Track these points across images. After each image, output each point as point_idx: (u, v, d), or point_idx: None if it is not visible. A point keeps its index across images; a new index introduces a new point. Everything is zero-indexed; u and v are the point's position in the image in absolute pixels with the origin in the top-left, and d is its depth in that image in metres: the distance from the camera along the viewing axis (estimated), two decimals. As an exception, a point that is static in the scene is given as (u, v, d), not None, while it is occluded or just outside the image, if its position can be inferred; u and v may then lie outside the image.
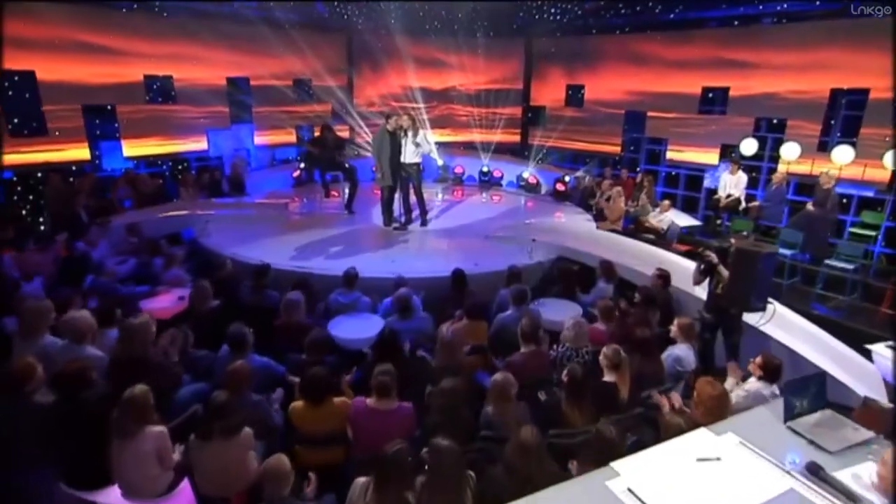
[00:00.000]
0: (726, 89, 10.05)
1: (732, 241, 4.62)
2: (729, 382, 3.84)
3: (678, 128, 10.86)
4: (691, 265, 6.17)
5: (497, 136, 13.30)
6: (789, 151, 8.45)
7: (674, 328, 4.35)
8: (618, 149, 12.19)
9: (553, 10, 12.12)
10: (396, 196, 8.05)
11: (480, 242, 7.42)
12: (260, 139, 11.91)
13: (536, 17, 12.41)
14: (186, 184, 9.14)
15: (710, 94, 10.42)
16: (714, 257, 4.64)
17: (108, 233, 6.59)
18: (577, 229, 7.96)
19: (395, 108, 11.60)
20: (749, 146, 9.06)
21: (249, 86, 11.45)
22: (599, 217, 8.93)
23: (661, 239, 8.27)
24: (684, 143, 10.89)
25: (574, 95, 12.96)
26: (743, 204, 8.68)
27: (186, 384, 3.82)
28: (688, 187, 11.07)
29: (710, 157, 10.48)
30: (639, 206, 9.07)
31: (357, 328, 4.71)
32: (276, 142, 12.13)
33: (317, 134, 8.83)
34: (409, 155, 7.76)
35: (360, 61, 13.04)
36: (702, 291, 5.07)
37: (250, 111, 11.59)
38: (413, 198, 8.11)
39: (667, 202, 8.91)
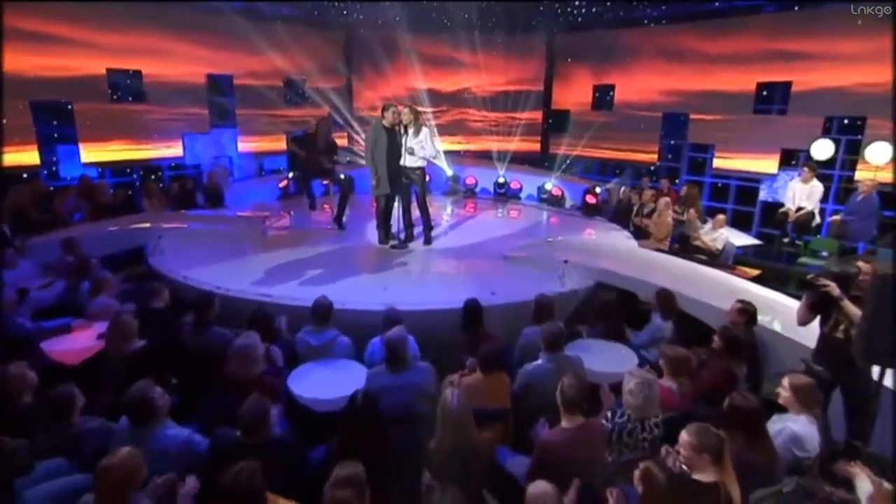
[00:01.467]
0: (787, 85, 8.87)
1: (860, 265, 3.37)
2: (863, 488, 2.51)
3: (727, 131, 9.70)
4: (770, 295, 4.98)
5: (514, 144, 12.29)
6: (877, 154, 7.20)
7: (785, 391, 3.10)
8: (654, 157, 11.08)
9: (577, 2, 11.21)
10: (395, 208, 6.92)
11: (497, 265, 6.24)
12: (244, 146, 10.98)
13: (559, 10, 11.51)
14: (150, 194, 8.10)
15: (765, 92, 9.25)
16: (834, 287, 3.40)
17: (27, 252, 5.52)
18: (616, 249, 6.76)
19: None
20: (823, 149, 7.84)
21: (233, 85, 10.58)
22: (641, 234, 7.77)
23: (715, 260, 7.04)
24: (735, 149, 9.71)
25: (602, 97, 11.91)
26: (817, 219, 7.42)
27: (56, 472, 2.63)
28: (739, 200, 9.88)
29: (767, 164, 9.28)
30: (686, 222, 7.85)
31: (327, 382, 3.54)
32: (264, 149, 11.24)
33: (310, 131, 7.70)
34: (410, 157, 6.64)
35: (359, 61, 12.20)
36: (806, 334, 3.82)
37: (233, 114, 10.71)
38: (415, 210, 6.97)
39: (721, 216, 7.70)
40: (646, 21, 10.88)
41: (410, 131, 6.63)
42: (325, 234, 7.53)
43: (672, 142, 10.80)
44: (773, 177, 9.20)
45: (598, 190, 9.33)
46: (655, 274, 5.44)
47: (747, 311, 4.23)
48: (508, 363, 4.03)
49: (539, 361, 3.73)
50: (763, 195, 9.39)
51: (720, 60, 9.68)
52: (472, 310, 4.40)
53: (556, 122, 12.69)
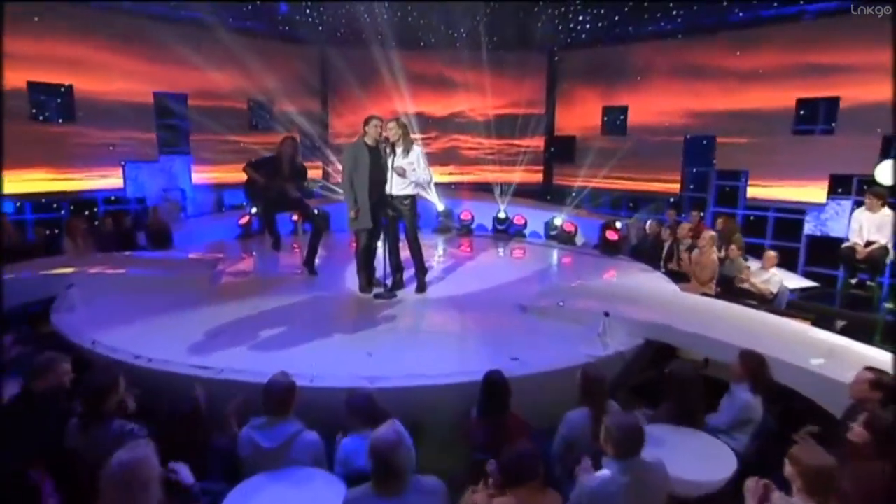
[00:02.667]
0: (833, 101, 8.21)
1: None
2: None
3: (762, 156, 9.00)
4: (872, 354, 3.98)
5: (514, 175, 11.42)
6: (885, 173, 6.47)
7: None
8: (676, 187, 10.31)
9: (581, 17, 10.67)
10: (379, 247, 5.89)
11: (514, 319, 5.19)
12: (200, 177, 10.01)
13: (559, 24, 10.94)
14: (74, 233, 6.95)
15: (804, 110, 8.58)
16: None
17: None
18: (658, 296, 5.76)
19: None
20: (888, 172, 7.04)
21: (187, 105, 9.65)
22: (678, 276, 6.79)
23: (768, 306, 6.09)
24: (772, 176, 9.00)
25: (613, 120, 11.26)
26: (892, 254, 6.54)
27: None
28: (779, 235, 9.07)
29: (812, 192, 8.56)
30: (728, 261, 6.94)
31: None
32: (224, 181, 10.29)
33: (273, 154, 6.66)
34: (398, 183, 5.66)
35: (336, 81, 11.46)
36: None
37: (187, 139, 9.80)
38: (405, 250, 5.94)
39: (772, 254, 6.80)
40: (659, 35, 10.34)
41: (399, 150, 5.66)
42: (292, 280, 6.44)
43: (696, 169, 10.08)
44: (820, 206, 8.43)
45: (618, 224, 8.41)
46: (721, 327, 4.44)
47: (883, 384, 3.20)
48: (547, 467, 2.95)
49: (606, 473, 2.63)
50: (809, 228, 8.58)
51: (749, 76, 9.09)
52: (496, 386, 3.34)
53: (559, 150, 11.95)
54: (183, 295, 5.57)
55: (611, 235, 8.16)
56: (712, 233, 6.64)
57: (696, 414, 3.57)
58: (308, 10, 9.95)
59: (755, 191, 9.25)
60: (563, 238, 9.01)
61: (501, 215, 9.86)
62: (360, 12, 10.07)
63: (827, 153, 8.25)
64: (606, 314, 4.51)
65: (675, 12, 9.78)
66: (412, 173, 5.65)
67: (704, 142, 10.10)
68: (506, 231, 9.85)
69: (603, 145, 11.19)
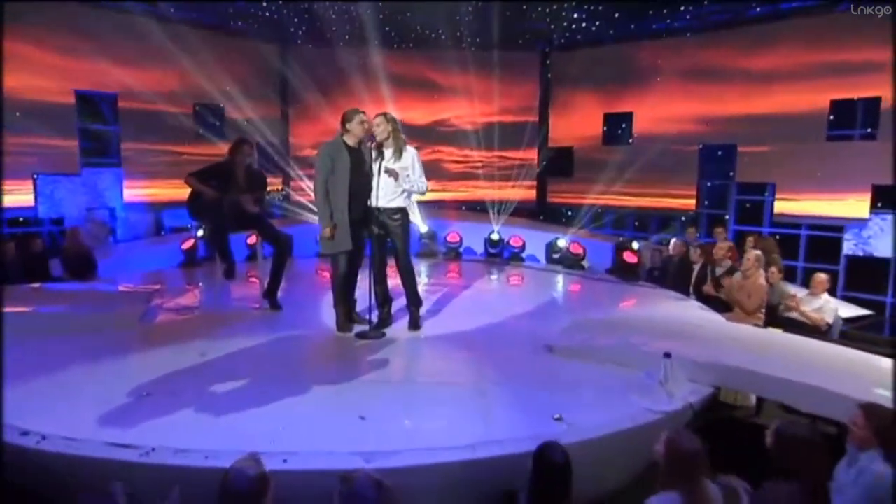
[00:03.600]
0: (873, 101, 7.89)
1: None
2: None
3: (791, 165, 8.61)
4: None
5: (506, 191, 10.84)
6: None
7: None
8: (690, 203, 9.84)
9: (577, 13, 10.33)
10: (361, 274, 5.09)
11: (537, 363, 4.45)
12: (133, 193, 9.10)
13: (550, 22, 10.57)
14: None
15: (837, 114, 8.24)
16: None
17: None
18: (710, 329, 5.10)
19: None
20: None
21: (116, 108, 8.80)
22: (714, 304, 6.21)
23: (821, 337, 5.54)
24: (802, 189, 8.64)
25: (615, 128, 10.87)
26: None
27: None
28: (813, 255, 8.66)
29: (852, 206, 8.18)
30: (769, 286, 6.38)
31: None
32: (164, 199, 9.46)
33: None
34: (386, 192, 4.89)
35: (299, 84, 10.70)
36: None
37: (117, 149, 8.97)
38: (393, 277, 5.15)
39: (822, 276, 6.27)
40: (666, 34, 10.01)
41: (388, 152, 4.91)
42: (250, 317, 5.55)
43: (714, 182, 9.64)
44: (862, 222, 8.02)
45: (635, 245, 7.83)
46: (819, 372, 3.78)
47: None
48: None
49: None
50: (850, 248, 8.16)
51: (772, 77, 8.76)
52: (554, 466, 2.55)
53: (555, 163, 11.43)
54: (104, 339, 4.60)
55: (629, 258, 7.59)
56: (758, 252, 6.06)
57: (819, 491, 2.85)
58: (265, 3, 9.30)
59: (783, 205, 8.85)
60: (570, 262, 8.39)
61: (495, 237, 9.19)
62: (325, 6, 9.51)
63: (868, 161, 7.86)
64: (668, 355, 3.78)
65: (682, 7, 9.52)
66: (405, 180, 4.90)
67: (720, 152, 9.75)
68: (499, 255, 9.20)
69: (604, 157, 10.74)
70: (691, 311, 5.99)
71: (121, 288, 6.37)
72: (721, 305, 6.26)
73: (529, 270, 8.54)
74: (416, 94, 11.03)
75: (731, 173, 9.51)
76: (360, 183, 4.91)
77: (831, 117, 8.33)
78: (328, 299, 5.95)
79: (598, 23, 10.51)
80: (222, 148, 9.30)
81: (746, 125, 9.03)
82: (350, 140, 4.90)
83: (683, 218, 10.26)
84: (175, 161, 9.48)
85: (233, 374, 3.95)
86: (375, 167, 4.90)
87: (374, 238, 5.05)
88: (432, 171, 11.16)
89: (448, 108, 11.04)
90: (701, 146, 9.71)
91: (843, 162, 8.15)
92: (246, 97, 10.07)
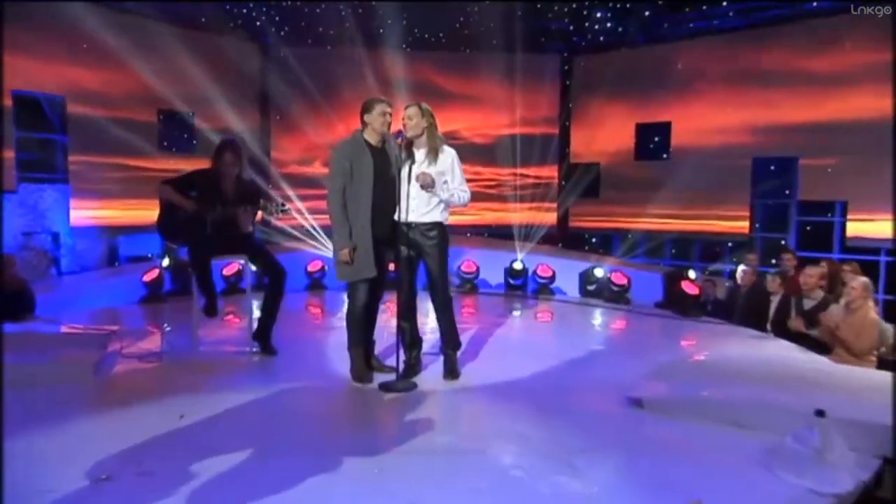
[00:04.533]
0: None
1: None
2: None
3: (867, 180, 8.15)
4: None
5: (524, 214, 10.33)
6: None
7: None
8: (744, 225, 9.32)
9: (601, 13, 10.07)
10: (382, 308, 4.44)
11: (626, 423, 3.76)
12: (83, 215, 8.48)
13: (570, 25, 10.27)
14: None
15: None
16: None
17: None
18: (825, 374, 4.46)
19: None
20: None
21: (64, 113, 8.19)
22: (808, 343, 5.59)
23: None
24: (881, 208, 8.07)
25: (647, 141, 10.51)
26: None
27: None
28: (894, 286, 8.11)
29: (944, 228, 7.64)
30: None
31: None
32: (119, 221, 8.91)
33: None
34: (419, 203, 4.23)
35: (282, 90, 10.15)
36: None
37: (64, 162, 8.34)
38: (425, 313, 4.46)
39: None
40: (705, 33, 9.68)
41: (420, 153, 4.26)
42: (238, 366, 4.79)
43: (770, 202, 9.18)
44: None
45: (691, 275, 7.26)
46: None
47: None
48: None
49: None
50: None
51: (839, 79, 8.38)
52: None
53: (579, 181, 10.95)
54: (45, 398, 3.81)
55: (689, 289, 7.01)
56: (865, 280, 5.45)
57: None
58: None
59: (857, 227, 8.38)
60: (611, 295, 7.77)
61: (517, 266, 8.55)
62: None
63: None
64: (821, 413, 3.10)
65: (724, 2, 9.24)
66: (443, 188, 4.24)
67: (772, 167, 9.28)
68: (522, 287, 8.60)
69: (636, 174, 10.26)
70: (786, 353, 5.35)
71: (66, 330, 5.56)
72: (813, 345, 5.64)
73: (565, 305, 7.92)
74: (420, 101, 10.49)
75: (788, 191, 9.05)
76: (386, 192, 4.26)
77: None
78: (333, 341, 5.36)
79: (624, 23, 10.23)
80: (188, 160, 8.74)
81: (809, 134, 8.62)
82: (370, 136, 4.25)
83: (731, 244, 9.78)
84: (133, 178, 8.91)
85: (224, 445, 3.19)
86: (404, 172, 4.25)
87: (401, 261, 4.36)
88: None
89: (457, 118, 10.48)
90: (754, 159, 9.24)
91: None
92: (220, 104, 9.46)
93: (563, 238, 11.11)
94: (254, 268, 5.23)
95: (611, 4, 10.24)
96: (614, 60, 10.49)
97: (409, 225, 4.27)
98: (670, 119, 10.09)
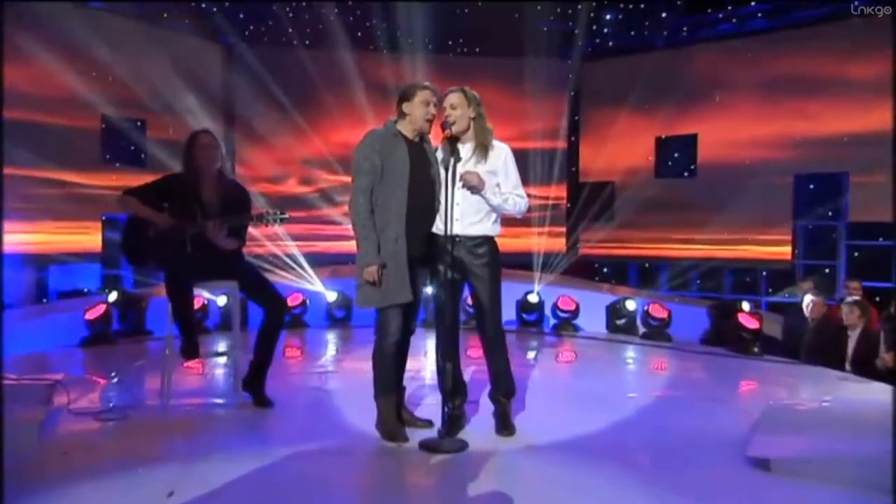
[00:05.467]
0: None
1: None
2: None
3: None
4: None
5: (531, 240, 9.96)
6: None
7: None
8: (785, 251, 9.05)
9: (611, 15, 9.99)
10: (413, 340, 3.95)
11: (755, 491, 3.23)
12: (6, 240, 7.58)
13: (575, 28, 10.18)
14: None
15: None
16: None
17: None
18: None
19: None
20: None
21: None
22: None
23: None
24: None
25: (667, 155, 10.27)
26: None
27: None
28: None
29: None
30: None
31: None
32: (52, 248, 8.29)
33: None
34: (466, 212, 3.76)
35: (248, 94, 9.72)
36: None
37: None
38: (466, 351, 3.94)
39: None
40: (732, 36, 9.63)
41: (465, 149, 3.76)
42: (227, 421, 4.17)
43: (816, 225, 8.98)
44: None
45: (746, 307, 6.91)
46: None
47: None
48: None
49: None
50: None
51: (885, 85, 8.20)
52: None
53: (590, 202, 10.65)
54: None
55: (748, 322, 6.61)
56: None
57: None
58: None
59: (917, 251, 8.17)
60: (653, 331, 7.36)
61: (533, 299, 8.07)
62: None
63: None
64: None
65: (753, 2, 9.21)
66: (494, 191, 3.74)
67: (811, 185, 9.11)
68: (538, 322, 8.18)
69: (658, 194, 9.98)
70: (880, 395, 4.95)
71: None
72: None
73: (593, 343, 7.50)
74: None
75: (832, 212, 8.87)
76: (422, 197, 3.75)
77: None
78: (340, 389, 4.99)
79: (639, 25, 10.14)
80: (138, 175, 8.08)
81: (857, 147, 8.51)
82: (408, 129, 3.75)
83: (765, 272, 9.56)
84: (69, 195, 8.33)
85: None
86: (445, 173, 3.75)
87: (442, 285, 3.82)
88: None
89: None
90: (796, 176, 9.07)
91: None
92: (176, 111, 8.91)
93: (571, 267, 10.72)
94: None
95: (622, 5, 10.15)
96: (627, 66, 10.38)
97: (452, 239, 3.73)
98: (697, 131, 9.91)
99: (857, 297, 6.34)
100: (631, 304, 7.77)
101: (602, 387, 5.33)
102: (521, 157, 9.96)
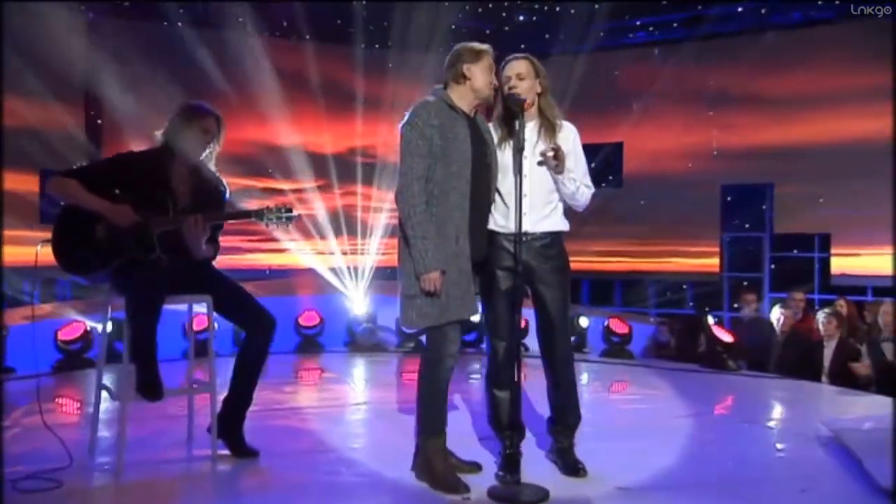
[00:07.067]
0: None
1: None
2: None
3: (850, 209, 8.45)
4: None
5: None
6: None
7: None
8: (713, 263, 9.24)
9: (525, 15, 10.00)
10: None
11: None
12: None
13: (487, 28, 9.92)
14: None
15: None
16: None
17: None
18: None
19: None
20: None
21: None
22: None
23: None
24: (865, 241, 8.47)
25: (596, 166, 10.12)
26: None
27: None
28: (882, 328, 8.47)
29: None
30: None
31: None
32: None
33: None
34: (534, 203, 3.25)
35: (121, 77, 8.41)
36: None
37: None
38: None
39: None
40: (651, 43, 9.88)
41: (528, 127, 3.24)
42: (195, 485, 3.30)
43: (741, 235, 9.31)
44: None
45: (711, 320, 6.94)
46: None
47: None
48: None
49: None
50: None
51: (816, 100, 8.74)
52: None
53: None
54: None
55: (724, 336, 6.57)
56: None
57: None
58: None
59: (842, 262, 8.68)
60: (615, 348, 7.19)
61: (476, 318, 7.62)
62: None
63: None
64: None
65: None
66: (570, 182, 3.30)
67: (730, 197, 9.39)
68: (476, 343, 7.75)
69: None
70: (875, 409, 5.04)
71: None
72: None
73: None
74: (327, 107, 9.39)
75: (755, 224, 9.23)
76: (483, 185, 3.24)
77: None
78: (355, 427, 4.16)
79: (553, 28, 10.10)
80: None
81: (783, 158, 8.82)
82: (466, 101, 3.20)
83: (685, 285, 9.79)
84: None
85: None
86: (503, 154, 3.25)
87: (500, 294, 3.26)
88: (341, 221, 9.45)
89: (372, 131, 9.46)
90: (723, 187, 9.32)
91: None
92: (20, 93, 7.56)
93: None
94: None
95: (536, 6, 10.06)
96: (551, 68, 10.21)
97: (518, 238, 3.18)
98: (622, 139, 9.93)
99: (833, 309, 6.50)
100: (585, 321, 7.55)
101: (620, 412, 5.02)
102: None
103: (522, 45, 10.29)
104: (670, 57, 9.69)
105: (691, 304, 9.74)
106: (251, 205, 4.28)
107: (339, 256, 8.48)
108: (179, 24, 8.53)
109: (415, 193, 3.01)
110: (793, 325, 6.58)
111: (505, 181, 3.27)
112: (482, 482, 3.16)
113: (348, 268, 8.39)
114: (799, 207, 8.96)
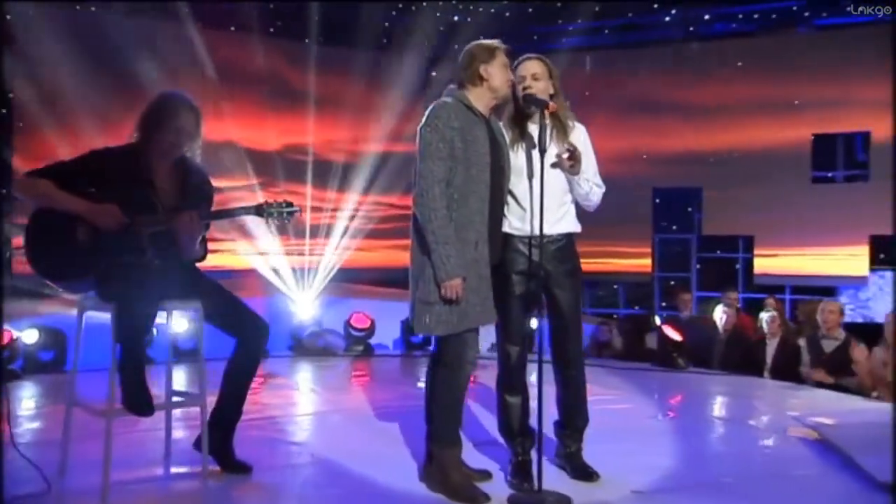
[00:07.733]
0: (863, 136, 8.70)
1: None
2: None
3: (771, 213, 8.88)
4: None
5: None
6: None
7: None
8: (646, 263, 9.52)
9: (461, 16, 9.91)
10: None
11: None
12: None
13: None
14: None
15: (820, 152, 8.88)
16: None
17: None
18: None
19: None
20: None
21: None
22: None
23: None
24: (785, 243, 8.95)
25: None
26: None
27: None
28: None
29: (847, 263, 8.66)
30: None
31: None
32: None
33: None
34: (550, 204, 3.11)
35: (33, 63, 7.82)
36: None
37: None
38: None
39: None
40: (581, 48, 10.00)
41: (547, 124, 3.10)
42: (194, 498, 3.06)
43: (671, 236, 9.65)
44: (860, 282, 8.51)
45: (656, 319, 7.13)
46: None
47: None
48: None
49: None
50: (847, 313, 8.56)
51: (745, 107, 9.11)
52: None
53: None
54: None
55: (672, 333, 6.74)
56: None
57: None
58: None
59: (764, 263, 9.14)
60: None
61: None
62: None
63: (863, 207, 8.45)
64: None
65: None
66: (584, 182, 3.29)
67: (657, 200, 9.71)
68: (424, 344, 7.67)
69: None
70: (842, 403, 5.33)
71: None
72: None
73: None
74: (263, 102, 9.00)
75: (694, 224, 9.58)
76: (498, 188, 3.17)
77: (820, 153, 8.97)
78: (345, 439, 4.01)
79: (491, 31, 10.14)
80: None
81: (712, 165, 9.25)
82: (482, 101, 3.10)
83: (616, 286, 10.04)
84: None
85: None
86: (516, 156, 3.22)
87: (512, 298, 3.21)
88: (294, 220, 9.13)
89: (309, 127, 9.14)
90: (654, 189, 9.61)
91: (833, 209, 8.65)
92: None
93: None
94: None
95: (471, 7, 10.05)
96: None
97: (531, 241, 3.12)
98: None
99: (774, 308, 6.79)
100: (534, 323, 7.57)
101: (597, 412, 5.08)
102: (386, 163, 9.44)
103: (456, 46, 10.35)
104: (601, 63, 9.91)
105: (626, 303, 10.02)
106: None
107: (282, 257, 8.17)
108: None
109: (435, 197, 2.89)
110: (735, 324, 6.84)
111: (519, 183, 3.21)
112: (495, 491, 3.08)
113: (293, 269, 8.14)
114: (725, 210, 9.33)
